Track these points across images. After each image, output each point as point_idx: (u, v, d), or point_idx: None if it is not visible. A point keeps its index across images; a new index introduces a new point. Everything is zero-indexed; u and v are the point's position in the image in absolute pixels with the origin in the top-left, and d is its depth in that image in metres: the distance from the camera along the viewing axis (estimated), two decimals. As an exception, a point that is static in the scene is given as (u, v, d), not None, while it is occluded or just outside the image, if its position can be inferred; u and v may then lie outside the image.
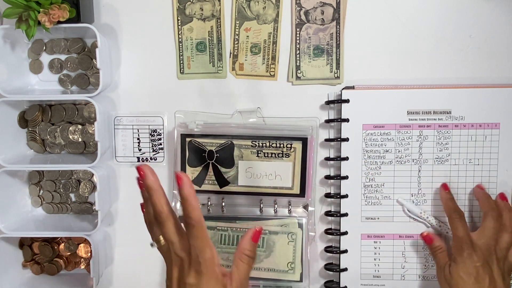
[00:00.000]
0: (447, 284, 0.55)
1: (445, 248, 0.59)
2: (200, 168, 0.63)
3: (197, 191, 0.61)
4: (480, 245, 0.55)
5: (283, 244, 0.64)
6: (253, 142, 0.61)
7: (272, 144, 0.61)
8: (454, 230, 0.56)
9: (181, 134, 0.62)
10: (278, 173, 0.62)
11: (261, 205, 0.64)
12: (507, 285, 0.55)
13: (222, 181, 0.63)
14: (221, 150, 0.62)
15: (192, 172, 0.64)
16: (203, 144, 0.63)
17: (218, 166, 0.63)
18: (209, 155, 0.63)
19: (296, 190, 0.62)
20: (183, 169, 0.64)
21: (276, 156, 0.62)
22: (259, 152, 0.62)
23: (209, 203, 0.65)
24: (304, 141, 0.61)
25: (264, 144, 0.61)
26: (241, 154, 0.62)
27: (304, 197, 0.62)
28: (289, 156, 0.61)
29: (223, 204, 0.64)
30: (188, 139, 0.63)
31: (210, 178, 0.64)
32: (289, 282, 0.64)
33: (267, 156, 0.62)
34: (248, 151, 0.62)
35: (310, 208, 0.64)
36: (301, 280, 0.64)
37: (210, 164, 0.63)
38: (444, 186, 0.60)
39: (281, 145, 0.61)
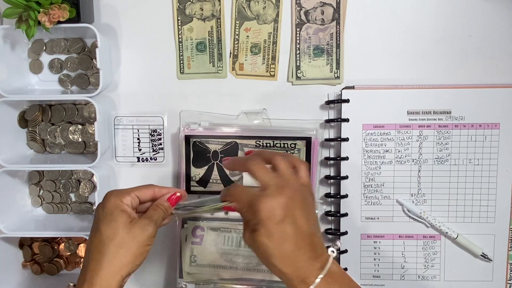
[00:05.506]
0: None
1: None
2: (205, 169, 0.63)
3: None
4: None
5: None
6: (257, 142, 0.61)
7: (276, 144, 0.61)
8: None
9: (185, 135, 0.62)
10: None
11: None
12: None
13: (227, 182, 0.63)
14: (225, 150, 0.62)
15: (196, 173, 0.63)
16: (208, 144, 0.63)
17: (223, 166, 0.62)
18: (213, 156, 0.63)
19: None
20: (188, 169, 0.63)
21: None
22: None
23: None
24: (308, 140, 0.61)
25: (268, 144, 0.61)
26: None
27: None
28: None
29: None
30: (192, 140, 0.62)
31: (215, 178, 0.64)
32: None
33: None
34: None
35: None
36: None
37: (215, 165, 0.63)
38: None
39: (285, 145, 0.61)
